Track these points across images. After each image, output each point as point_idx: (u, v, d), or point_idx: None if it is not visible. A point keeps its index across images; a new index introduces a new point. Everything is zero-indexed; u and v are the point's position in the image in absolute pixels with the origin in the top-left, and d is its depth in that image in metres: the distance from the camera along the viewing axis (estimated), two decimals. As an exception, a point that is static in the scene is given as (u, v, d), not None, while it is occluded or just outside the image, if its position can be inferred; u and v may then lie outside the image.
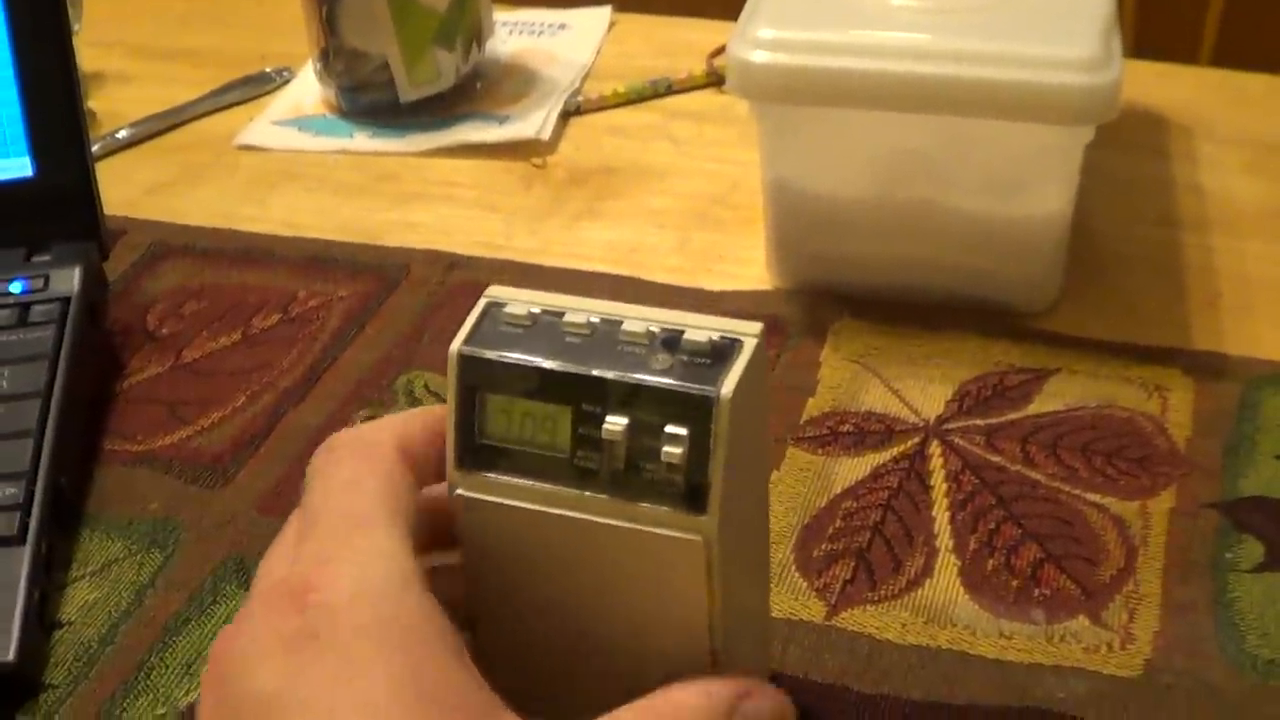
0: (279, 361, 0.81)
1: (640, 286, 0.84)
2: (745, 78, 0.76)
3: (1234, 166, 0.91)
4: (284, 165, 0.99)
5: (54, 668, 0.65)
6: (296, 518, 0.52)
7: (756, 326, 0.51)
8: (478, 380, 0.51)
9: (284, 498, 0.72)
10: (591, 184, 0.95)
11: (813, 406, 0.75)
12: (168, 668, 0.64)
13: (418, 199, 0.95)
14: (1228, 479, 0.69)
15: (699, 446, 0.49)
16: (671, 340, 0.50)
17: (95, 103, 1.04)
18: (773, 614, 0.62)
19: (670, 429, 0.49)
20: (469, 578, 0.56)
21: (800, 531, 0.68)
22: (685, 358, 0.50)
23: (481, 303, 0.53)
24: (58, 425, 0.72)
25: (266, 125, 1.04)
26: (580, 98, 1.03)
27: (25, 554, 0.67)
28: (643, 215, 0.91)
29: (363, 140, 1.01)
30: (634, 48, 1.10)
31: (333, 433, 0.55)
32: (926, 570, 0.65)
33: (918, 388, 0.75)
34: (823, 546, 0.67)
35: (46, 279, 0.80)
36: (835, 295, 0.82)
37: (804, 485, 0.70)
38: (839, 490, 0.70)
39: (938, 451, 0.71)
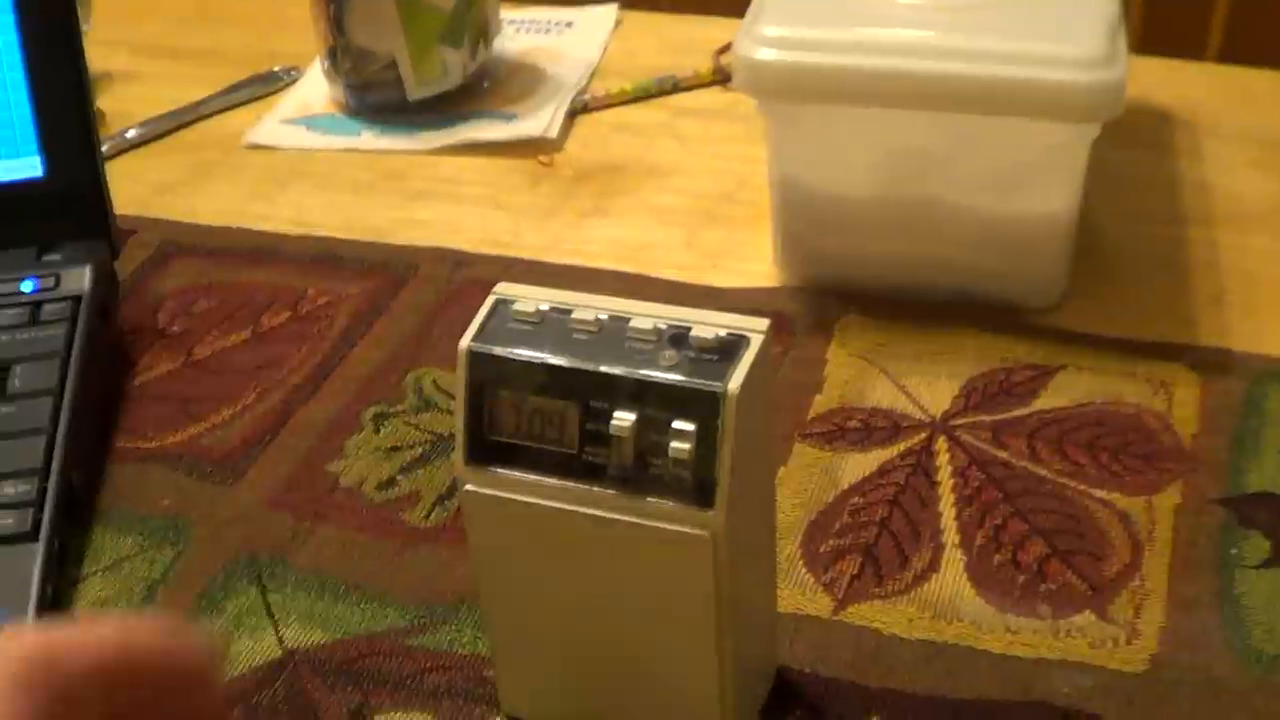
0: (289, 359, 0.81)
1: (647, 283, 0.84)
2: (752, 75, 0.76)
3: (1240, 163, 0.92)
4: (292, 164, 1.00)
5: (66, 663, 0.65)
6: None
7: (763, 323, 0.51)
8: (487, 377, 0.52)
9: (294, 494, 0.72)
10: (598, 181, 0.95)
11: (819, 403, 0.75)
12: (179, 663, 0.64)
13: (425, 197, 0.95)
14: (1233, 475, 0.69)
15: (706, 442, 0.49)
16: (679, 337, 0.51)
17: (104, 102, 1.05)
18: (780, 608, 0.62)
19: (678, 425, 0.49)
20: (477, 573, 0.57)
21: (807, 527, 0.68)
22: (693, 354, 0.50)
23: (490, 300, 0.54)
24: (69, 423, 0.73)
25: (275, 124, 1.04)
26: (587, 95, 1.03)
27: (38, 550, 0.67)
28: (649, 212, 0.92)
29: (370, 138, 1.01)
30: (640, 45, 1.10)
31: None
32: (933, 565, 0.66)
33: (924, 384, 0.76)
34: (830, 542, 0.67)
35: (57, 278, 0.80)
36: (842, 292, 0.82)
37: (811, 481, 0.71)
38: (846, 486, 0.70)
39: (944, 447, 0.72)
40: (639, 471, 0.50)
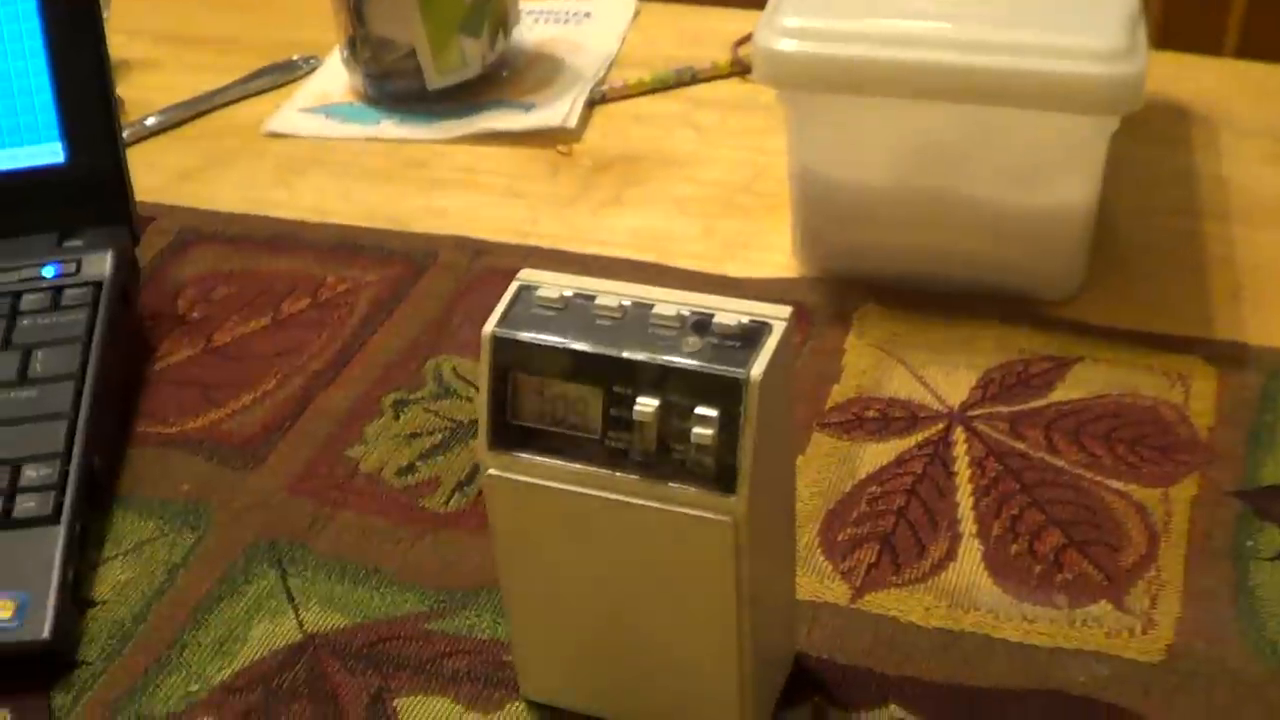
0: (308, 345, 0.82)
1: (665, 273, 0.84)
2: (772, 66, 0.76)
3: (1256, 158, 0.92)
4: (312, 152, 1.00)
5: (88, 645, 0.66)
6: None
7: (786, 310, 0.51)
8: (510, 361, 0.52)
9: (314, 479, 0.73)
10: (617, 171, 0.95)
11: (837, 392, 0.75)
12: (200, 646, 0.65)
13: (444, 186, 0.95)
14: (1249, 468, 0.70)
15: (729, 428, 0.50)
16: (702, 323, 0.51)
17: (123, 90, 1.05)
18: (797, 596, 0.62)
19: (701, 410, 0.50)
20: (498, 557, 0.57)
21: (825, 515, 0.68)
22: (715, 340, 0.50)
23: (514, 286, 0.54)
24: (91, 407, 0.73)
25: (294, 112, 1.04)
26: (605, 86, 1.03)
27: (60, 533, 0.68)
28: (667, 202, 0.92)
29: (389, 127, 1.01)
30: (658, 36, 1.10)
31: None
32: (950, 554, 0.66)
33: (942, 375, 0.76)
34: (847, 530, 0.68)
35: (79, 263, 0.81)
36: (860, 283, 0.82)
37: (829, 470, 0.71)
38: (864, 475, 0.70)
39: (962, 438, 0.72)
40: (661, 457, 0.51)
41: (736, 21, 1.07)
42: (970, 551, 0.66)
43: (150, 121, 1.04)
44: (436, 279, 0.86)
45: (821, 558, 0.66)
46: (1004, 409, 0.74)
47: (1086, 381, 0.75)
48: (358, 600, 0.66)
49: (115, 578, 0.69)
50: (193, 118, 1.05)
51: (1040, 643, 0.62)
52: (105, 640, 0.66)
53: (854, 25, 0.75)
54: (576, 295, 0.53)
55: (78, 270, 0.80)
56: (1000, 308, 0.80)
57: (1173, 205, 0.88)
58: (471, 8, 1.00)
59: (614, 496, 0.52)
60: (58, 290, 0.79)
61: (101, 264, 0.81)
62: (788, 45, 0.75)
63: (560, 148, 0.98)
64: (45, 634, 0.64)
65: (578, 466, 0.52)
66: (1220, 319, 0.79)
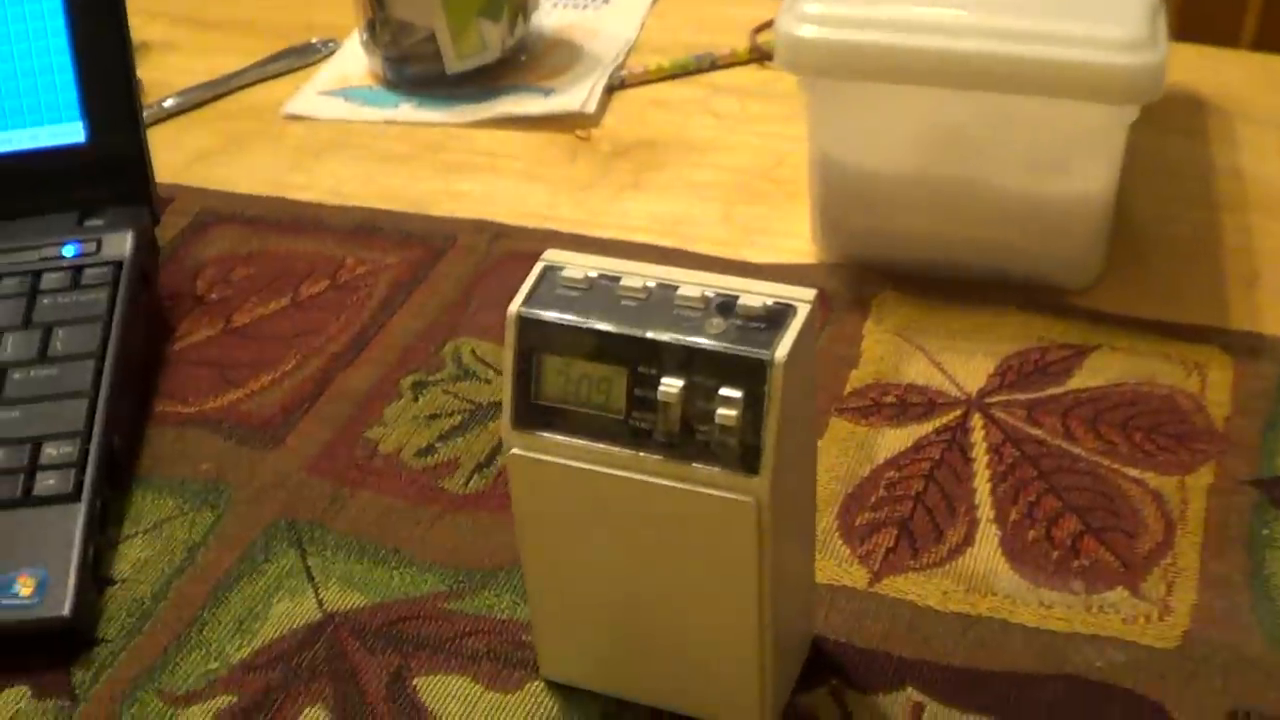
0: (327, 327, 0.82)
1: (684, 258, 0.85)
2: (794, 52, 0.76)
3: (1274, 149, 0.92)
4: (331, 135, 1.00)
5: (108, 623, 0.66)
6: None
7: (810, 293, 0.52)
8: (535, 342, 0.52)
9: (333, 460, 0.73)
10: (635, 156, 0.95)
11: (855, 378, 0.76)
12: (220, 623, 0.65)
13: (463, 169, 0.95)
14: (1265, 456, 0.70)
15: (753, 409, 0.50)
16: (727, 305, 0.51)
17: (142, 71, 1.04)
18: (816, 579, 0.63)
19: (725, 391, 0.50)
20: (520, 537, 0.57)
21: (844, 500, 0.69)
22: (740, 322, 0.51)
23: (539, 266, 0.54)
24: (111, 386, 0.74)
25: (313, 95, 1.04)
26: (624, 71, 1.03)
27: (80, 511, 0.68)
28: (686, 188, 0.92)
29: (409, 111, 1.02)
30: (677, 22, 1.10)
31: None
32: (968, 540, 0.66)
33: (959, 361, 0.76)
34: (866, 515, 0.68)
35: (99, 243, 0.81)
36: (878, 269, 0.82)
37: (847, 455, 0.71)
38: (882, 460, 0.71)
39: (979, 424, 0.72)
40: (685, 437, 0.51)
41: (755, 8, 1.07)
42: (987, 537, 0.66)
43: (169, 103, 1.04)
44: (455, 262, 0.86)
45: (839, 542, 0.67)
46: (1021, 396, 0.74)
47: (1104, 369, 0.75)
48: (377, 580, 0.67)
49: (135, 556, 0.69)
50: (211, 100, 1.05)
51: (1057, 628, 0.62)
52: (125, 618, 0.66)
53: (876, 12, 0.75)
54: (601, 276, 0.53)
55: (98, 250, 0.81)
56: (1018, 295, 0.80)
57: (1190, 196, 0.88)
58: (491, -8, 1.00)
59: (637, 477, 0.52)
60: (78, 269, 0.79)
61: (122, 244, 0.81)
62: (809, 31, 0.75)
63: (579, 132, 0.98)
64: (65, 611, 0.64)
65: (601, 446, 0.52)
66: (1237, 309, 0.79)
